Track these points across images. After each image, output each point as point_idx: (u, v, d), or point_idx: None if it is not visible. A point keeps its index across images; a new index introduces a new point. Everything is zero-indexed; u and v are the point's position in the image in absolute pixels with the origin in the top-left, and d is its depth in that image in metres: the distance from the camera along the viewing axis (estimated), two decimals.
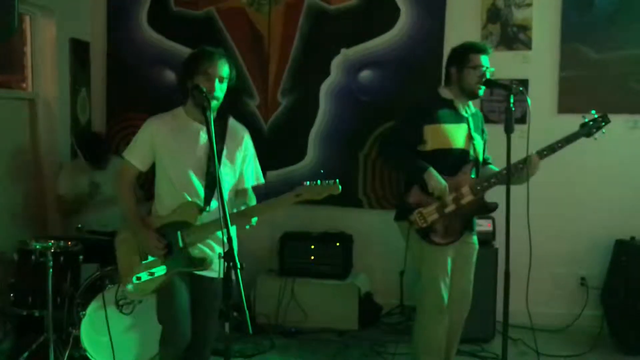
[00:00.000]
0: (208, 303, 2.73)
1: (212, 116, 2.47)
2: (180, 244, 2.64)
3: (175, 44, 4.73)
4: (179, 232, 2.64)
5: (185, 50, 4.69)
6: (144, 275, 2.68)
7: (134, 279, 2.70)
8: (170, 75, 4.70)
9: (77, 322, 3.31)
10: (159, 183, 2.73)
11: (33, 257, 3.36)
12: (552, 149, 3.14)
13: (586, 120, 3.19)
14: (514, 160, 2.91)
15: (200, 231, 2.63)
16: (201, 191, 2.66)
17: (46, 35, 4.31)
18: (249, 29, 4.67)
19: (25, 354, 3.34)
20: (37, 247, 3.38)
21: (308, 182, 2.51)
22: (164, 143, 2.67)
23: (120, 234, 2.82)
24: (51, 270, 3.22)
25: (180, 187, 2.65)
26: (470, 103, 3.26)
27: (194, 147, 2.66)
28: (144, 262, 2.70)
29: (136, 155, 2.71)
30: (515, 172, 3.06)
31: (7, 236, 3.81)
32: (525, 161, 3.09)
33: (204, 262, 2.64)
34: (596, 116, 3.19)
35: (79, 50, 4.62)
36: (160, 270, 2.67)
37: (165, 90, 4.67)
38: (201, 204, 2.64)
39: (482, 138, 3.29)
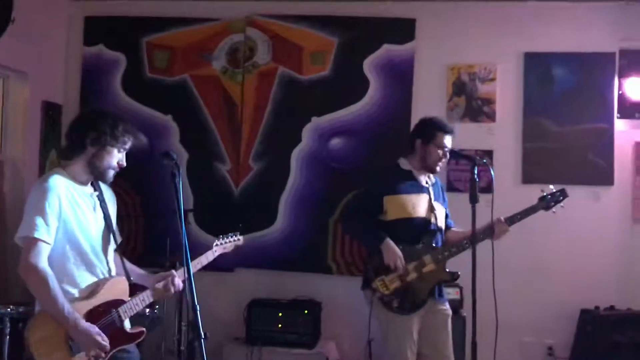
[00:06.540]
0: None
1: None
2: (117, 323, 2.47)
3: (149, 109, 4.77)
4: (114, 312, 2.46)
5: (158, 116, 4.77)
6: None
7: None
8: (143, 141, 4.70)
9: None
10: (60, 258, 2.35)
11: None
12: (512, 220, 3.25)
13: (545, 194, 3.31)
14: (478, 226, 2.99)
15: (135, 305, 2.53)
16: (108, 263, 2.53)
17: (19, 98, 4.33)
18: (222, 96, 4.75)
19: None
20: None
21: (220, 239, 2.93)
22: (70, 210, 2.36)
23: (34, 332, 2.29)
24: (8, 337, 3.12)
25: (88, 262, 2.44)
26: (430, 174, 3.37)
27: (93, 214, 2.50)
28: (75, 355, 2.32)
29: (50, 229, 2.26)
30: (477, 242, 3.15)
31: None
32: (487, 231, 3.18)
33: (142, 334, 2.53)
34: (554, 190, 3.32)
35: (50, 113, 4.63)
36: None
37: (138, 155, 4.64)
38: (121, 276, 2.54)
39: (444, 206, 3.38)
